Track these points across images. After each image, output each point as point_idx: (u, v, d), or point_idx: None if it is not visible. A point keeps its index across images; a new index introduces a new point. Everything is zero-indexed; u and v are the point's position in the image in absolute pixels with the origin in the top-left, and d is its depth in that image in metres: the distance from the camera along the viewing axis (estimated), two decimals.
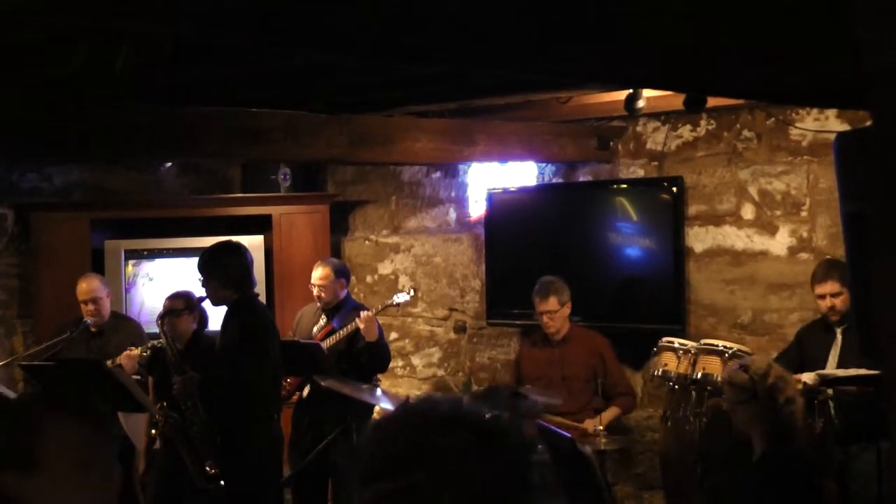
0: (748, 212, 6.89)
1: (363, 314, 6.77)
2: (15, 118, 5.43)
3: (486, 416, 1.45)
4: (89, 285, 7.00)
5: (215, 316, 6.28)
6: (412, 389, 8.62)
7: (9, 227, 8.14)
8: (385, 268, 8.90)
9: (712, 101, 6.17)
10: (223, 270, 5.77)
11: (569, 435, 4.91)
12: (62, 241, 7.98)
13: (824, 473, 4.74)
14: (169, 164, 8.40)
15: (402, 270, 8.80)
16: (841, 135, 3.16)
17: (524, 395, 6.03)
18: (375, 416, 6.60)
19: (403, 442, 1.41)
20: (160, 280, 8.08)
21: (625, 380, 6.87)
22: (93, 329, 6.99)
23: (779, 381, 4.41)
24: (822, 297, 5.90)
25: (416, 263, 8.73)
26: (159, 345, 6.23)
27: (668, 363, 6.29)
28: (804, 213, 6.69)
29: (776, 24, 2.73)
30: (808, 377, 5.47)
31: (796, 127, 6.68)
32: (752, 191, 6.87)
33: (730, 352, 6.02)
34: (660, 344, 6.41)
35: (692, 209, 7.11)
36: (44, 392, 2.11)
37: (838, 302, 5.83)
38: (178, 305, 6.11)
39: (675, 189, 7.04)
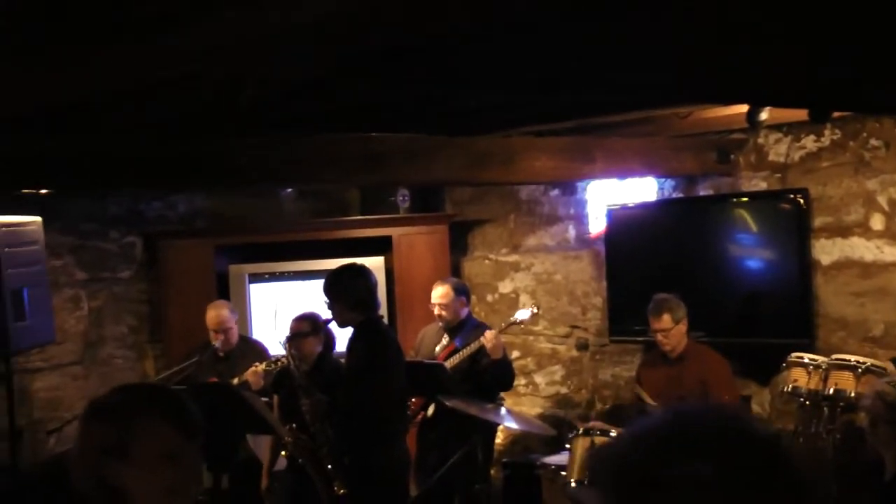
0: (877, 222, 6.73)
1: (488, 332, 6.78)
2: (144, 153, 5.59)
3: (736, 440, 1.37)
4: (219, 316, 7.14)
5: (342, 337, 6.33)
6: (535, 408, 8.61)
7: (138, 255, 8.36)
8: (505, 286, 8.90)
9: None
10: (349, 292, 5.81)
11: None
12: (188, 266, 8.17)
13: None
14: (289, 189, 8.52)
15: (522, 289, 8.80)
16: None
17: (651, 413, 5.99)
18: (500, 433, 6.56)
19: (637, 468, 1.37)
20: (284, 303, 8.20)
21: (735, 402, 6.68)
22: (220, 353, 7.13)
23: None
24: None
25: (537, 281, 8.72)
26: (285, 362, 6.31)
27: (799, 379, 6.17)
28: None
29: None
30: None
31: None
32: (882, 200, 6.71)
33: (863, 367, 5.88)
34: (789, 359, 6.29)
35: (818, 221, 6.97)
36: (139, 395, 2.46)
37: None
38: (304, 328, 6.17)
39: (800, 201, 6.91)
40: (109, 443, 2.35)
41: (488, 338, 6.74)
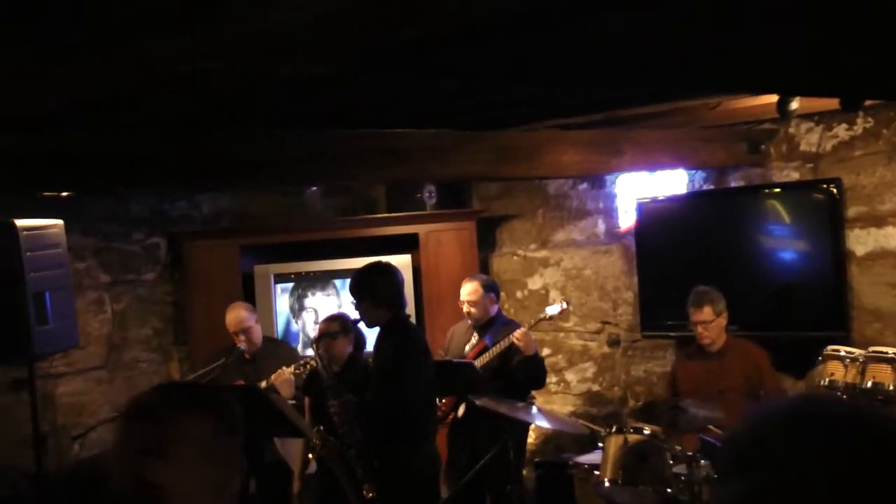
0: None
1: (518, 330, 6.70)
2: (163, 152, 5.52)
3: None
4: (237, 317, 7.06)
5: (370, 337, 6.25)
6: (567, 406, 8.52)
7: (162, 256, 8.30)
8: (535, 283, 8.81)
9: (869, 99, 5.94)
10: (375, 291, 5.75)
11: None
12: (213, 267, 8.10)
13: None
14: (314, 187, 8.45)
15: (552, 285, 8.70)
16: None
17: (684, 409, 5.88)
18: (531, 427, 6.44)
19: (770, 452, 1.35)
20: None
21: (782, 393, 6.61)
22: (247, 355, 7.06)
23: None
24: None
25: (566, 277, 8.62)
26: (313, 364, 6.24)
27: (835, 372, 6.05)
28: None
29: None
30: None
31: None
32: None
33: None
34: (825, 352, 6.17)
35: (851, 211, 6.83)
36: (179, 394, 2.53)
37: None
38: (333, 328, 6.10)
39: (833, 191, 6.78)
40: (150, 442, 2.34)
41: (518, 336, 6.66)
